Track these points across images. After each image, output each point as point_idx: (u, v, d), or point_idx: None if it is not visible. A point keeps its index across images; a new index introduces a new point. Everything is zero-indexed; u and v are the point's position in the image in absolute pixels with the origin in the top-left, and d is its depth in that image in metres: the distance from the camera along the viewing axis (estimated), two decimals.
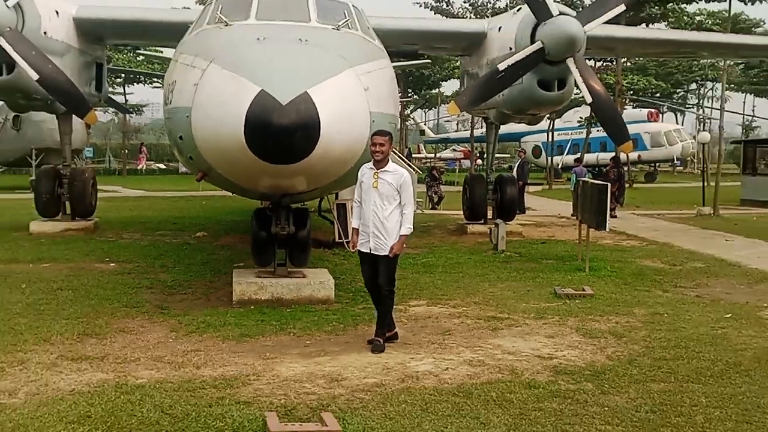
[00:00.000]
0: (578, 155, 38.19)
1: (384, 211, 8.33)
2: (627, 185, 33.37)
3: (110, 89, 30.30)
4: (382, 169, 8.37)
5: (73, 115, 17.96)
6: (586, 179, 16.95)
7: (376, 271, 8.53)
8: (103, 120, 53.59)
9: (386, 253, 8.32)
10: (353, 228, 8.71)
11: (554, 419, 6.36)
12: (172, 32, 15.28)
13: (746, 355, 8.31)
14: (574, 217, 24.28)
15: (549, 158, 44.23)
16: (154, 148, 66.71)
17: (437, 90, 57.98)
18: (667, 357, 8.18)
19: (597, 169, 42.60)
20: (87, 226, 18.53)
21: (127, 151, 56.30)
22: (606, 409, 6.61)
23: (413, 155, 54.86)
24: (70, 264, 13.68)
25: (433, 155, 63.50)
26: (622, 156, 34.04)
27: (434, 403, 6.69)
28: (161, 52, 39.61)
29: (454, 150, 66.11)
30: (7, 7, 14.50)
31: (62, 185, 18.66)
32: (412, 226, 8.49)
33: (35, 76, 14.62)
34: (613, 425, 6.25)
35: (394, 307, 8.90)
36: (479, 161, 37.66)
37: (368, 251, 8.45)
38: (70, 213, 18.80)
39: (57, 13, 16.41)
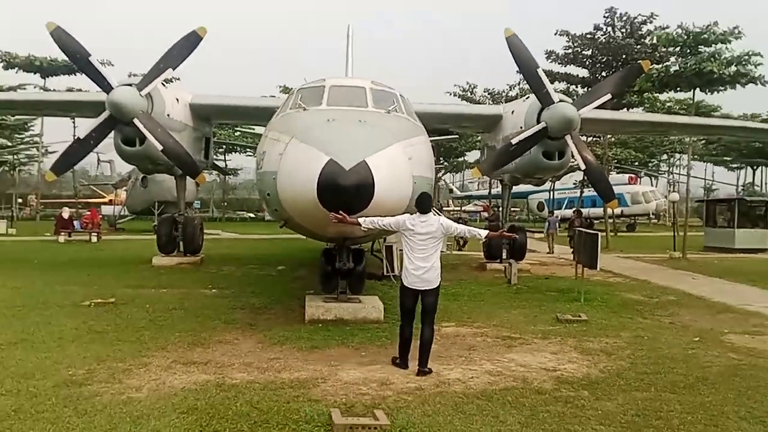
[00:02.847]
0: (553, 209, 38.02)
1: None
2: (612, 234, 33.16)
3: (214, 157, 30.82)
4: None
5: (187, 176, 18.36)
6: (581, 229, 16.66)
7: None
8: (209, 180, 54.39)
9: None
10: None
11: (558, 419, 6.21)
12: (262, 114, 15.69)
13: (712, 371, 8.05)
14: (549, 254, 24.99)
15: (550, 212, 43.91)
16: (246, 202, 67.66)
17: (463, 158, 57.82)
18: (648, 371, 7.96)
19: (588, 220, 42.05)
20: (195, 260, 18.82)
21: (225, 203, 57.14)
22: (599, 412, 6.44)
23: (443, 208, 54.75)
24: (182, 290, 13.84)
25: (459, 208, 63.39)
26: (609, 210, 33.66)
27: (462, 404, 6.59)
28: (253, 129, 40.39)
29: (476, 204, 65.94)
30: (141, 95, 14.95)
31: (177, 229, 19.05)
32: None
33: (160, 148, 14.99)
34: (605, 425, 6.09)
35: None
36: (487, 212, 37.90)
37: None
38: (183, 250, 19.14)
39: (177, 100, 16.88)
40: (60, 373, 7.35)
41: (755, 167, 60.52)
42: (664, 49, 29.55)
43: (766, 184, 64.84)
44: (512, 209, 55.32)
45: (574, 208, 34.69)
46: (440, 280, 7.99)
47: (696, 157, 57.19)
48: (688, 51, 24.92)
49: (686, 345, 9.52)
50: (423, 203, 8.02)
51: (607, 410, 6.49)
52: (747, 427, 6.15)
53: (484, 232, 8.68)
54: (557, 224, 29.57)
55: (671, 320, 11.60)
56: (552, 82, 19.81)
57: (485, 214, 49.27)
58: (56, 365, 7.65)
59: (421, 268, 7.76)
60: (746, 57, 23.92)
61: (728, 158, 61.17)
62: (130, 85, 15.11)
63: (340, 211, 8.22)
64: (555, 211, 36.62)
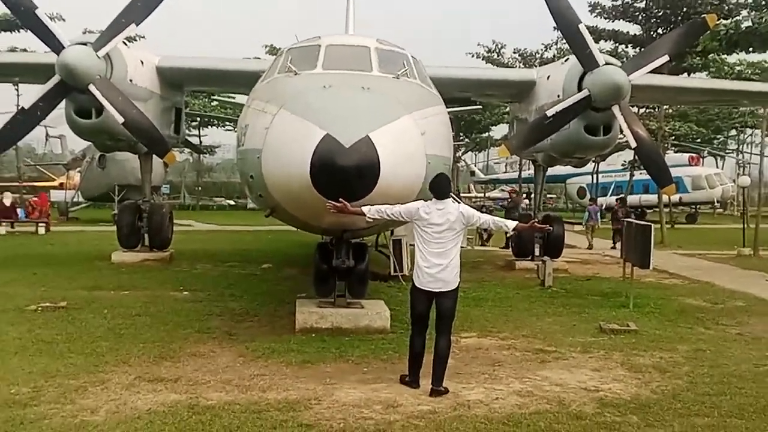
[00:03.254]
0: (596, 196, 38.06)
1: None
2: (668, 226, 33.20)
3: (187, 131, 30.68)
4: None
5: (154, 155, 18.37)
6: (630, 220, 16.65)
7: None
8: (180, 159, 54.43)
9: None
10: None
11: None
12: (244, 80, 15.65)
13: None
14: (588, 250, 25.15)
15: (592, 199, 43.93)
16: (224, 186, 67.78)
17: (487, 134, 57.81)
18: (710, 392, 7.96)
19: (639, 209, 42.07)
20: (163, 256, 18.89)
21: (200, 188, 57.24)
22: None
23: (462, 195, 54.76)
24: (147, 292, 13.90)
25: (482, 195, 63.43)
26: (664, 198, 33.62)
27: (485, 431, 6.60)
28: (233, 97, 40.39)
29: (503, 190, 65.97)
30: (98, 56, 14.91)
31: (142, 219, 19.11)
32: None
33: (121, 120, 14.95)
34: None
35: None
36: (509, 199, 38.20)
37: None
38: (149, 244, 19.21)
39: (142, 62, 16.85)
40: (0, 391, 7.39)
41: None
42: (734, 1, 29.40)
43: None
44: (547, 195, 55.42)
45: (619, 195, 34.77)
46: (459, 280, 7.99)
47: None
48: (764, 2, 24.75)
49: (757, 361, 9.51)
50: (439, 187, 8.02)
51: None
52: None
53: (512, 224, 8.68)
54: (598, 214, 29.69)
55: (739, 331, 11.58)
56: (597, 41, 19.71)
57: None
58: None
59: (437, 266, 7.76)
60: None
61: None
62: (85, 44, 15.05)
63: (340, 198, 8.22)
64: (598, 199, 36.62)
